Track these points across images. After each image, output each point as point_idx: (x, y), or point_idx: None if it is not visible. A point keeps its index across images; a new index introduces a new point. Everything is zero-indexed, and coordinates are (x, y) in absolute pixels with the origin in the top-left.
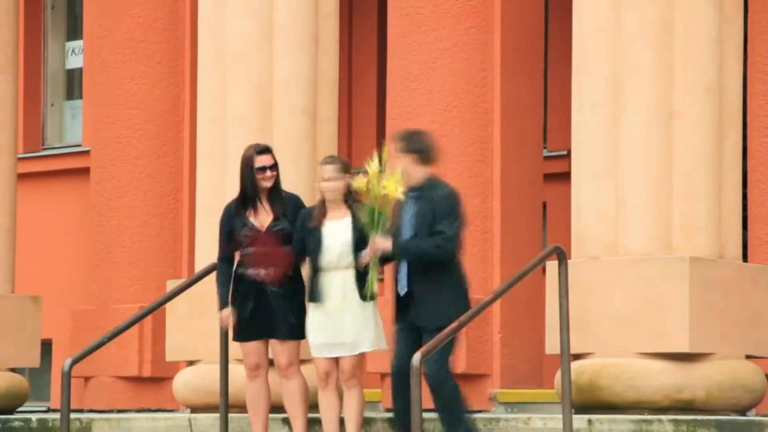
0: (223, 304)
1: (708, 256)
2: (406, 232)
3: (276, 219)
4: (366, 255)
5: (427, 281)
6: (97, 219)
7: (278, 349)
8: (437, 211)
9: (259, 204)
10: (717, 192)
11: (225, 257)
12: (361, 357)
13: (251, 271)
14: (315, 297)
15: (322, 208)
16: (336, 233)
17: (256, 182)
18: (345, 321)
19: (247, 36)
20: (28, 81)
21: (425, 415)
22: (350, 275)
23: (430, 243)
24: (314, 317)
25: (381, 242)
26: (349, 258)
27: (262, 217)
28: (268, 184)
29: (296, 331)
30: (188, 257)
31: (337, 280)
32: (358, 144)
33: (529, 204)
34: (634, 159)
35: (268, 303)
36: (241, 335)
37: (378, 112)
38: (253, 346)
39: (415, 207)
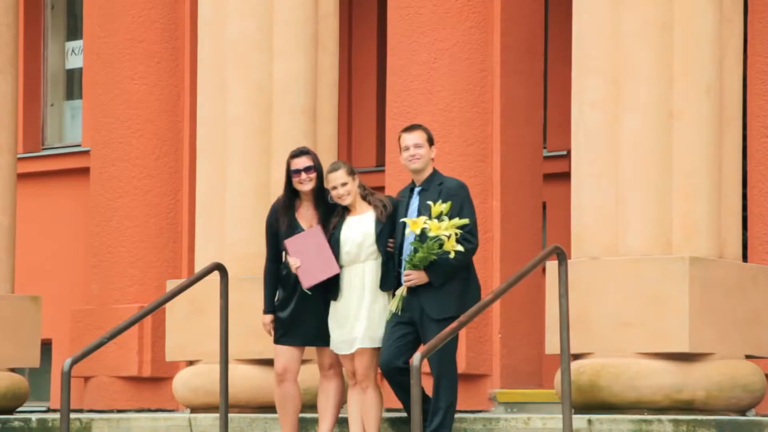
0: (267, 308)
1: (708, 256)
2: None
3: (319, 224)
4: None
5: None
6: (97, 219)
7: (323, 351)
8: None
9: (302, 207)
10: (717, 192)
11: (272, 258)
12: (375, 357)
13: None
14: (334, 296)
15: (342, 213)
16: (357, 226)
17: (293, 185)
18: (360, 317)
19: (247, 36)
20: (28, 81)
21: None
22: (371, 267)
23: (456, 257)
24: (333, 315)
25: (418, 276)
26: (371, 249)
27: (307, 221)
28: (305, 187)
29: None
30: (188, 257)
31: (357, 273)
32: (358, 144)
33: (529, 204)
34: (634, 159)
35: (310, 309)
36: (281, 338)
37: (378, 112)
38: (286, 349)
39: (419, 199)
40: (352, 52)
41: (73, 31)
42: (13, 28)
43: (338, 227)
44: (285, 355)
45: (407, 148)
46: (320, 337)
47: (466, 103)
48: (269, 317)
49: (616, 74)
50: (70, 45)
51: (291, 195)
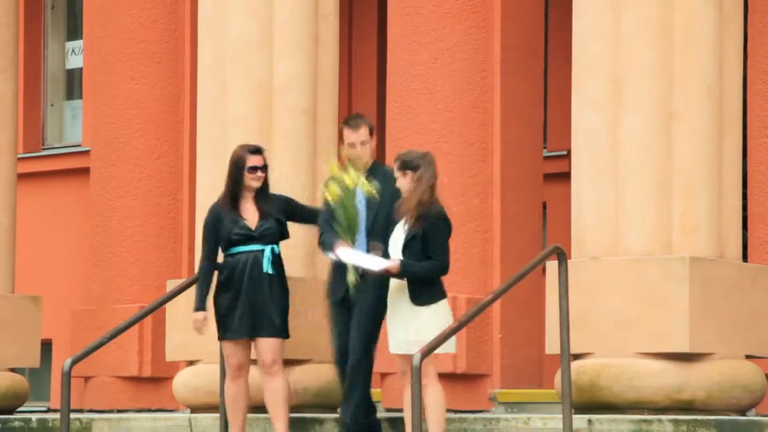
0: (200, 306)
1: (708, 256)
2: (361, 222)
3: (262, 218)
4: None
5: None
6: (97, 219)
7: (263, 346)
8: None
9: (246, 203)
10: (717, 192)
11: (211, 257)
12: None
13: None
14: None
15: None
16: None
17: (244, 181)
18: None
19: (247, 36)
20: (28, 81)
21: None
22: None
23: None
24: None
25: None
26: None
27: (250, 215)
28: (257, 184)
29: (281, 329)
30: (188, 257)
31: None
32: None
33: (529, 204)
34: (634, 159)
35: (253, 300)
36: (226, 333)
37: (378, 112)
38: (236, 347)
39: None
40: (352, 52)
41: (73, 31)
42: (13, 28)
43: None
44: (236, 352)
45: (353, 146)
46: (264, 327)
47: (466, 103)
48: (202, 314)
49: (616, 74)
50: (70, 45)
51: (236, 189)
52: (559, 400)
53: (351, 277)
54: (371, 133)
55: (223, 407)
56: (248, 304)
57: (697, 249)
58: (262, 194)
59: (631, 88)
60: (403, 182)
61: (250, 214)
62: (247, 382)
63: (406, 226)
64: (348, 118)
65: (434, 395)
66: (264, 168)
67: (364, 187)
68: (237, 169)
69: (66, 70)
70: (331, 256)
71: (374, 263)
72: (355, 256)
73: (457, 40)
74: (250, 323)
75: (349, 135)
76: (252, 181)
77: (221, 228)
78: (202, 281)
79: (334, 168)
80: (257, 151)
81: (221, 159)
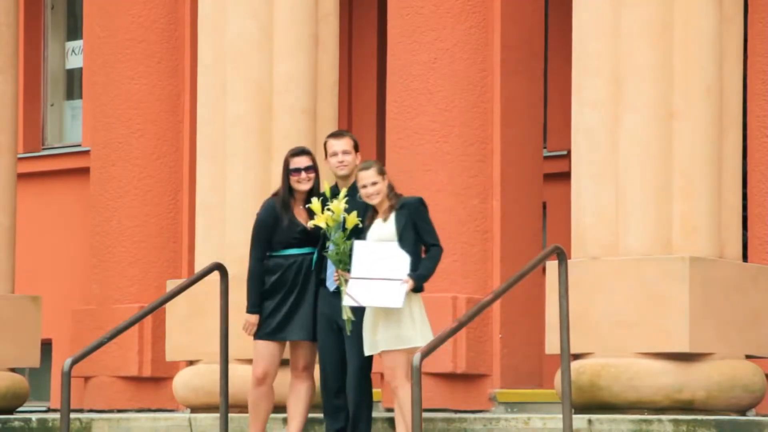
0: (255, 308)
1: (708, 256)
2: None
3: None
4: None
5: None
6: (97, 219)
7: (298, 350)
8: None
9: (299, 206)
10: (717, 192)
11: (260, 258)
12: (399, 358)
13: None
14: None
15: (372, 214)
16: (381, 230)
17: (290, 184)
18: (380, 319)
19: (247, 36)
20: (28, 81)
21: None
22: None
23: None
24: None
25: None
26: None
27: (303, 220)
28: (303, 186)
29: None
30: (188, 257)
31: None
32: None
33: (529, 204)
34: (634, 159)
35: (300, 303)
36: (264, 333)
37: (378, 112)
38: (270, 349)
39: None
40: (352, 52)
41: (73, 31)
42: (13, 28)
43: (366, 229)
44: (267, 357)
45: (335, 154)
46: (299, 331)
47: (466, 103)
48: (255, 317)
49: (616, 74)
50: (70, 45)
51: (289, 193)
52: (559, 400)
53: (348, 316)
54: (356, 149)
55: (224, 407)
56: (294, 307)
57: (697, 249)
58: (314, 196)
59: (631, 87)
60: (384, 186)
61: (301, 217)
62: (272, 388)
63: (389, 220)
64: (333, 132)
65: (405, 396)
66: (309, 169)
67: (348, 222)
68: (284, 172)
69: (66, 70)
70: (350, 302)
71: (392, 295)
72: (368, 297)
73: (457, 40)
74: (288, 326)
75: (332, 144)
76: (296, 184)
77: (278, 228)
78: (255, 283)
79: (327, 187)
80: (300, 153)
81: (221, 159)
